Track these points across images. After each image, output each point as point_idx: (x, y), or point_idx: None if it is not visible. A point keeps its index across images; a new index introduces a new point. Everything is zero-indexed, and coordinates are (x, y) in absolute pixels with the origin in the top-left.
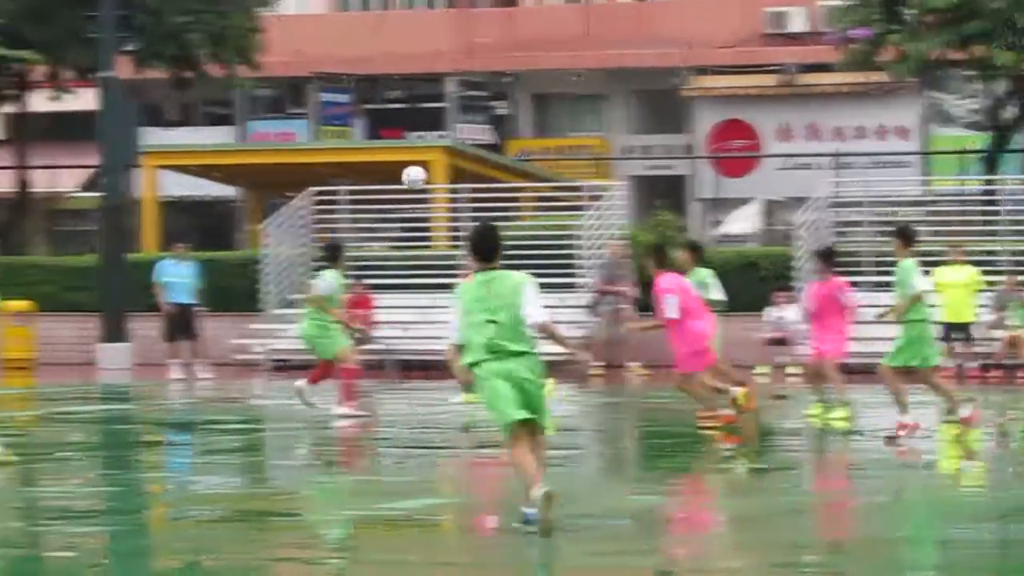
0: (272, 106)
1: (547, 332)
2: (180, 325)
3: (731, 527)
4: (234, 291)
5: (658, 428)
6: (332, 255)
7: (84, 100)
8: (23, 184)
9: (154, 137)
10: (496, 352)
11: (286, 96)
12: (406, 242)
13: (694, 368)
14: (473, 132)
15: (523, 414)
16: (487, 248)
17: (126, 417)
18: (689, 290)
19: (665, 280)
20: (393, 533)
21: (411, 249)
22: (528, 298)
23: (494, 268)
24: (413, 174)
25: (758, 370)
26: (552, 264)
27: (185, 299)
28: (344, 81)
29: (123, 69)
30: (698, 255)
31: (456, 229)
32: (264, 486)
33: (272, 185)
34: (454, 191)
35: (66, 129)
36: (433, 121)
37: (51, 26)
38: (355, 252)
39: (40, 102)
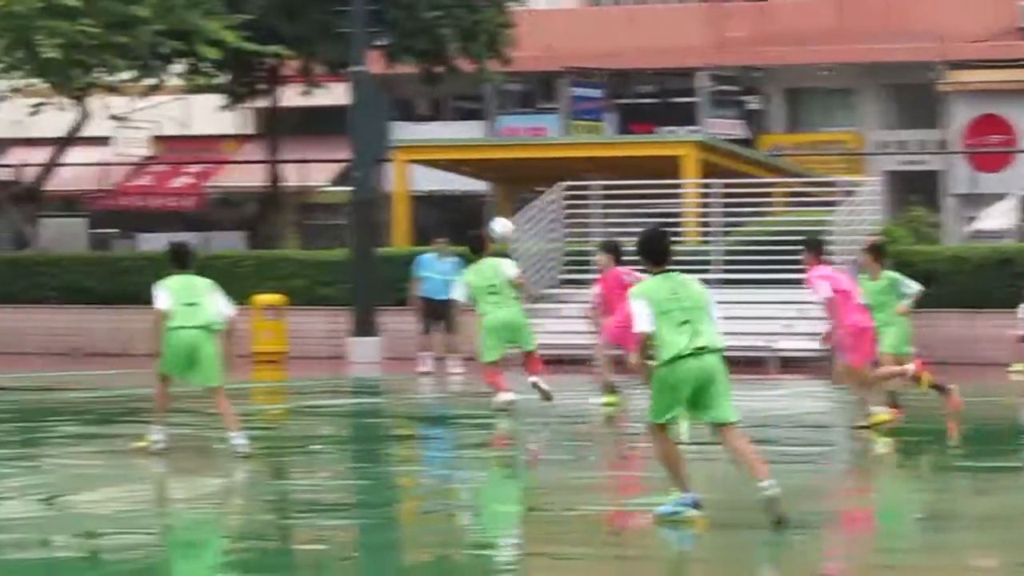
0: (522, 101)
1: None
2: (436, 318)
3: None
4: None
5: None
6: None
7: (335, 95)
8: (274, 179)
9: (404, 132)
10: (697, 352)
11: (536, 91)
12: None
13: (856, 361)
14: (724, 127)
15: (675, 415)
16: (661, 252)
17: (376, 411)
18: (842, 283)
19: (818, 270)
20: (644, 528)
21: None
22: (711, 303)
23: (669, 271)
24: (499, 228)
25: (1014, 367)
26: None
27: (443, 295)
28: (595, 76)
29: (374, 64)
30: (879, 255)
31: (707, 224)
32: (517, 481)
33: (522, 180)
34: (705, 186)
35: (317, 124)
36: (684, 116)
37: (303, 22)
38: None
39: (291, 97)
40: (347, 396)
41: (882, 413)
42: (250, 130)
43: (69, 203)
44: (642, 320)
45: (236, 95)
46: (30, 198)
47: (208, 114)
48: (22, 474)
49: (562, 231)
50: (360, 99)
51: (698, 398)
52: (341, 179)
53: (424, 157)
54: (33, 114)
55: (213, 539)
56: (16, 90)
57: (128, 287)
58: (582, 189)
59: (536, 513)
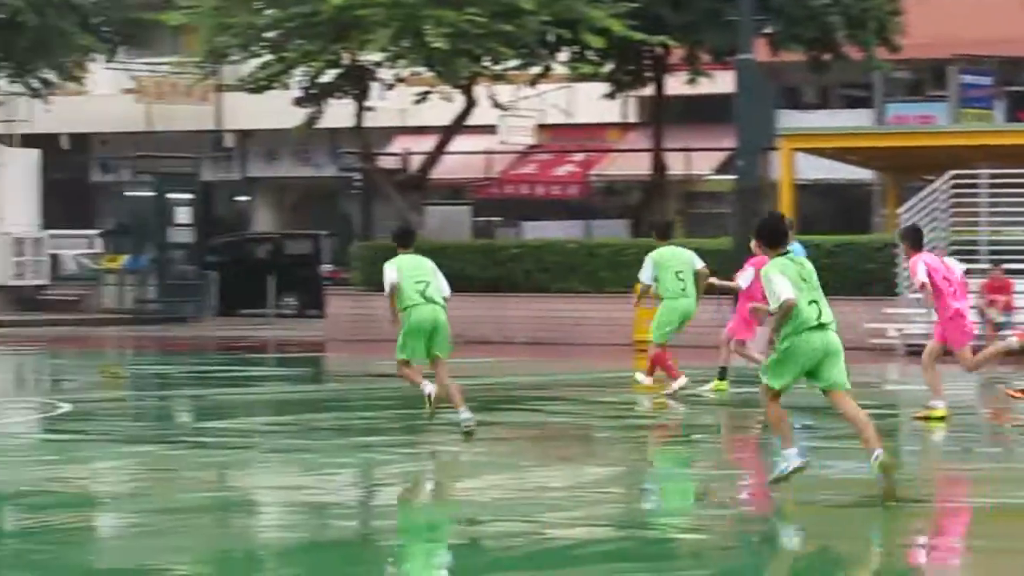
0: (911, 89)
1: None
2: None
3: None
4: (870, 275)
5: None
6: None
7: (720, 83)
8: (659, 167)
9: (791, 120)
10: (823, 326)
11: (926, 78)
12: None
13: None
14: None
15: (787, 383)
16: (782, 234)
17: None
18: (939, 269)
19: (918, 257)
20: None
21: None
22: None
23: (786, 253)
24: None
25: None
26: None
27: None
28: (985, 63)
29: (760, 52)
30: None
31: None
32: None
33: (910, 168)
34: None
35: (701, 112)
36: None
37: (688, 9)
38: (994, 236)
39: (676, 85)
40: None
41: (940, 408)
42: (634, 118)
43: (454, 191)
44: (787, 289)
45: (620, 83)
46: (416, 186)
47: (592, 102)
48: (403, 460)
49: (948, 220)
50: (746, 87)
51: (818, 368)
52: (725, 167)
53: (810, 145)
54: (418, 103)
55: (591, 527)
56: (401, 79)
57: (510, 275)
58: (970, 178)
59: (910, 505)
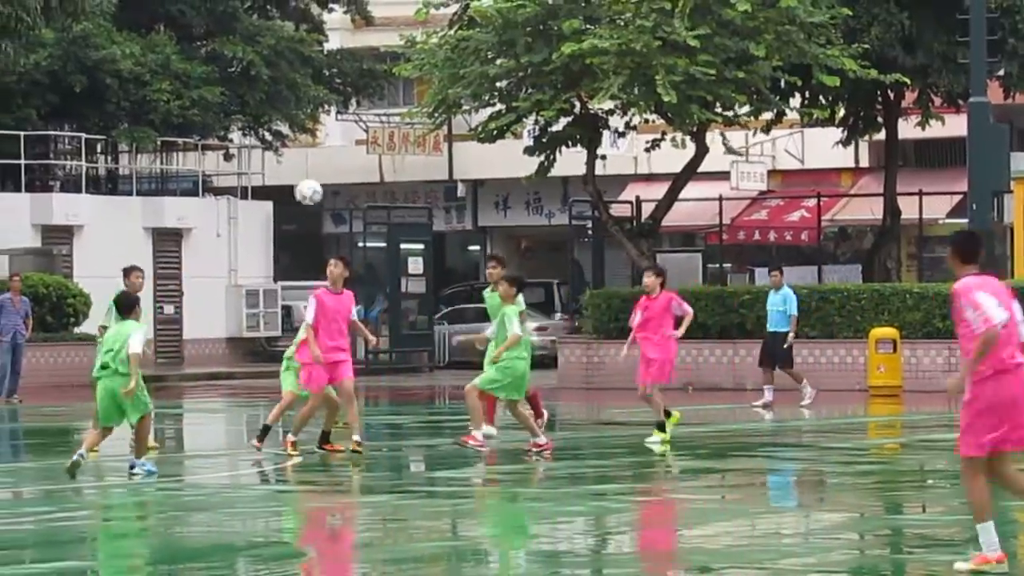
0: None
1: None
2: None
3: None
4: None
5: None
6: None
7: (951, 126)
8: (891, 211)
9: None
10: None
11: None
12: None
13: None
14: None
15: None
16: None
17: None
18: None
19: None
20: None
21: None
22: None
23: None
24: (307, 189)
25: None
26: None
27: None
28: None
29: (993, 94)
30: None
31: None
32: None
33: None
34: None
35: (933, 155)
36: None
37: (921, 52)
38: None
39: (907, 129)
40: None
41: None
42: (866, 163)
43: (686, 238)
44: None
45: (852, 128)
46: (647, 234)
47: (823, 147)
48: (635, 509)
49: None
50: (978, 130)
51: None
52: (958, 211)
53: None
54: (649, 150)
55: (824, 575)
56: (632, 127)
57: (743, 321)
58: None
59: None
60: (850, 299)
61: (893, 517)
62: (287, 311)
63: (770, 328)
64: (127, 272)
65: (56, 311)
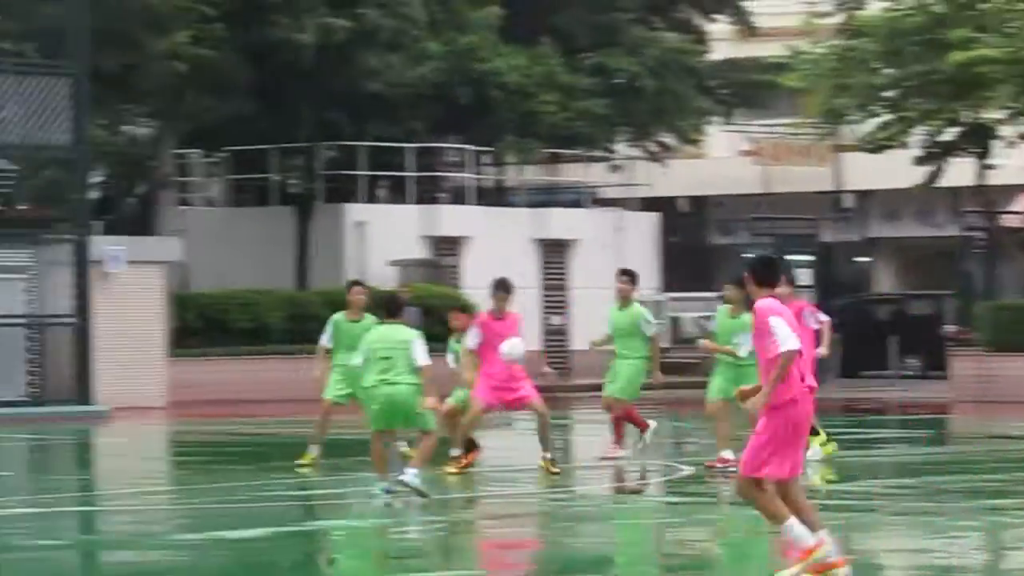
0: None
1: None
2: None
3: None
4: None
5: None
6: None
7: None
8: None
9: None
10: None
11: None
12: None
13: None
14: None
15: None
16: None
17: None
18: None
19: None
20: None
21: None
22: None
23: None
24: (507, 348)
25: None
26: None
27: None
28: None
29: None
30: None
31: None
32: None
33: None
34: None
35: None
36: None
37: None
38: None
39: None
40: None
41: None
42: None
43: None
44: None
45: None
46: None
47: None
48: None
49: None
50: None
51: None
52: None
53: None
54: None
55: None
56: (1023, 136)
57: None
58: None
59: None
60: None
61: None
62: (675, 322)
63: None
64: (348, 287)
65: (444, 322)
